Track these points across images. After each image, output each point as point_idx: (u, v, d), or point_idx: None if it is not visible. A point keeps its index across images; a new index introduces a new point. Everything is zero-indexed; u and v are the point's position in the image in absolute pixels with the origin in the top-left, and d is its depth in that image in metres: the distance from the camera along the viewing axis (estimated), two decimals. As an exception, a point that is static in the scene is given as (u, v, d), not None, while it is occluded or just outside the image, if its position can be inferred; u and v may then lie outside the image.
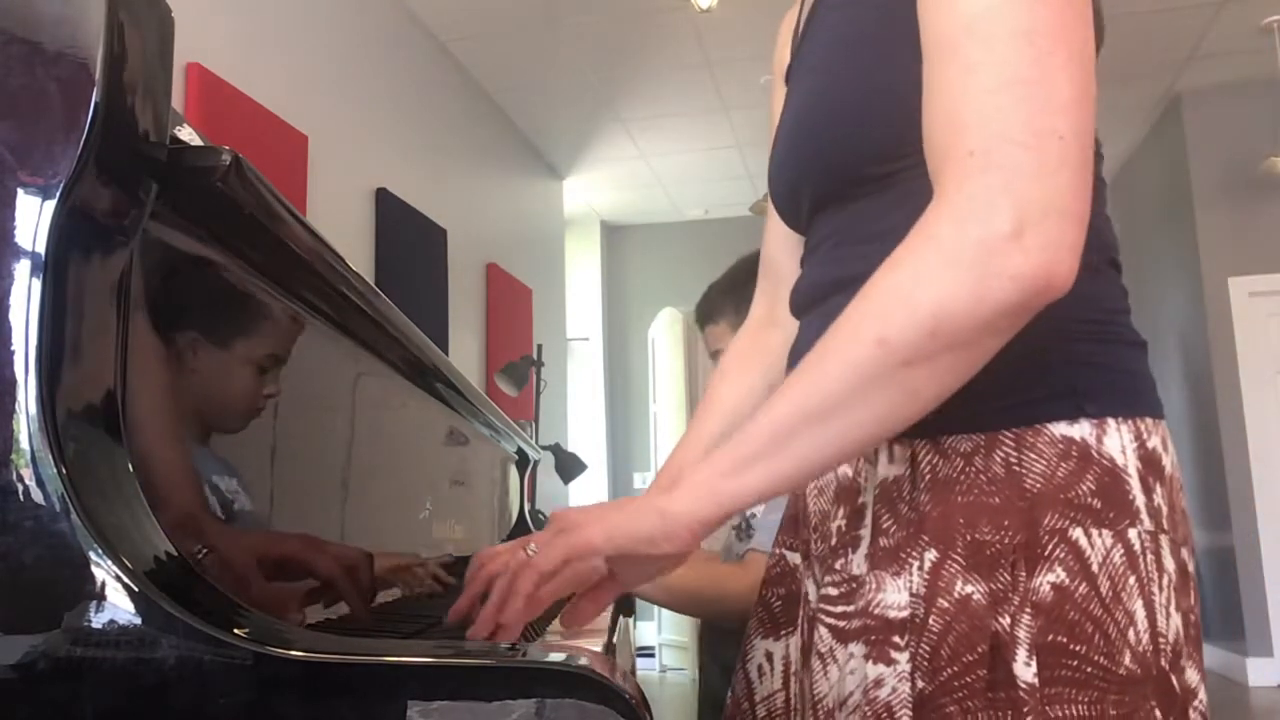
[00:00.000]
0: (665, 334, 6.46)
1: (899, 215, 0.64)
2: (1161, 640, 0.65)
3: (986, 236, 0.57)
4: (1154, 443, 0.69)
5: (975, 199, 0.58)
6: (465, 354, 4.66)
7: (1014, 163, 0.58)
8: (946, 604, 0.65)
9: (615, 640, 1.03)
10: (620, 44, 4.73)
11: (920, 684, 0.64)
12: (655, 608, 5.24)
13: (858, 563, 0.71)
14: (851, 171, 0.74)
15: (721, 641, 1.59)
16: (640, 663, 6.07)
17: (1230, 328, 5.24)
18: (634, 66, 4.97)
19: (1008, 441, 0.67)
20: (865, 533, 0.71)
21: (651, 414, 6.63)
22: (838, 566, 0.73)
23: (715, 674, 1.62)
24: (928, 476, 0.69)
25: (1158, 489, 0.68)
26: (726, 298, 1.63)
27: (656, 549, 0.64)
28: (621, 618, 1.31)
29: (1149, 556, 0.66)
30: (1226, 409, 5.19)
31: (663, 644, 6.24)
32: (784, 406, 0.63)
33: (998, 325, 0.59)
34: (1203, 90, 5.39)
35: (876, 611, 0.67)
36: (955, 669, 0.63)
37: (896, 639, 0.66)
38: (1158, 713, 0.63)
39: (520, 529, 1.74)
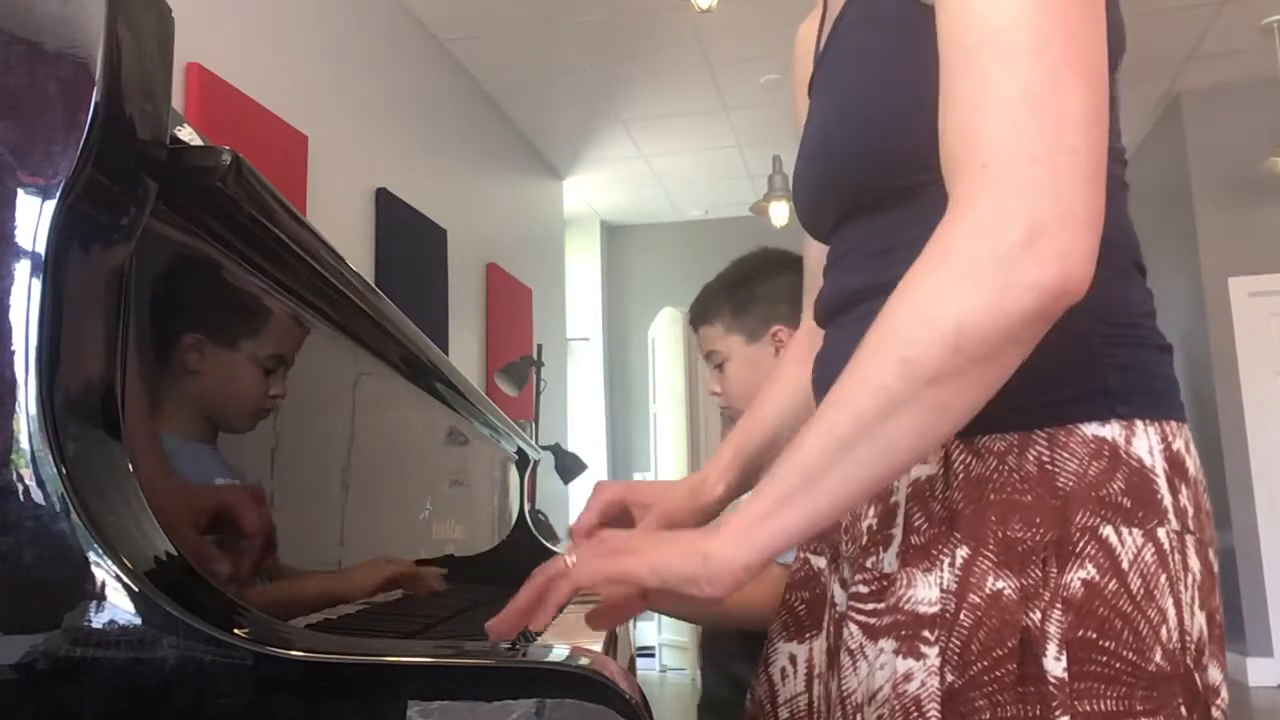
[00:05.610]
0: (665, 334, 6.46)
1: (923, 227, 0.64)
2: (1188, 638, 0.66)
3: (1000, 249, 0.58)
4: (1178, 445, 0.70)
5: (988, 213, 0.59)
6: (465, 354, 4.66)
7: (1027, 178, 0.58)
8: (978, 599, 0.65)
9: (615, 640, 1.03)
10: (620, 44, 4.73)
11: (950, 678, 0.65)
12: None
13: (889, 561, 0.72)
14: (875, 186, 0.75)
15: (721, 645, 1.59)
16: (640, 663, 6.07)
17: (1230, 328, 5.24)
18: (634, 66, 4.97)
19: (1040, 441, 0.68)
20: (897, 532, 0.72)
21: (651, 414, 6.63)
22: (868, 565, 0.74)
23: (714, 677, 1.61)
24: (960, 475, 0.69)
25: (1183, 490, 0.69)
26: (722, 299, 1.59)
27: (699, 591, 0.63)
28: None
29: (1176, 556, 0.67)
30: (1226, 409, 5.19)
31: (663, 644, 6.24)
32: (814, 440, 0.62)
33: (1019, 335, 0.59)
34: (1203, 90, 5.39)
35: (907, 607, 0.68)
36: (985, 663, 0.64)
37: (926, 634, 0.66)
38: (1183, 710, 0.64)
39: (520, 529, 1.74)
